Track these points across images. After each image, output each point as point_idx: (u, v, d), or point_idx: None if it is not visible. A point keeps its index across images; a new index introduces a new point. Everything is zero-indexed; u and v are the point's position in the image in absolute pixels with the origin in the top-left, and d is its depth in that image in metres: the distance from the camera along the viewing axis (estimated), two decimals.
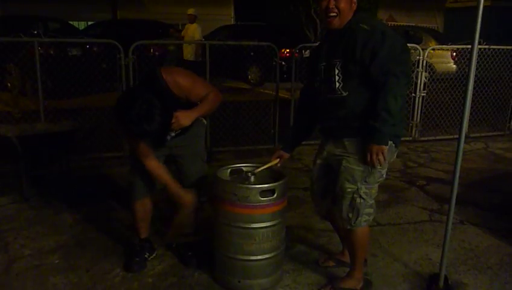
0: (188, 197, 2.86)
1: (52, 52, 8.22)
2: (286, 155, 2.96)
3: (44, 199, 4.19)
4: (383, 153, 2.43)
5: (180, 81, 2.64)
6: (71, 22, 13.10)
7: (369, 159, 2.46)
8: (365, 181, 2.55)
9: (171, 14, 13.83)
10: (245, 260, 2.80)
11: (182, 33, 9.96)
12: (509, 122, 7.47)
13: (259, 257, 2.79)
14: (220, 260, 2.92)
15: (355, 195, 2.56)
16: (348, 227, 2.67)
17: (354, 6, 2.53)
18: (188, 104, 2.71)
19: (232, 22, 16.88)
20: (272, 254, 2.83)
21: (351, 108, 2.49)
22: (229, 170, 2.99)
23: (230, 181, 2.86)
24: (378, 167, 2.49)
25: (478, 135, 7.22)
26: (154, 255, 3.22)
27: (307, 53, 8.95)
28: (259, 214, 2.71)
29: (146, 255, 3.15)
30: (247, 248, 2.76)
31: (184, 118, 2.61)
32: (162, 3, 13.51)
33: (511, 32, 7.58)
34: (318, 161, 2.83)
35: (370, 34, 2.35)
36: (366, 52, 2.34)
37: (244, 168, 2.95)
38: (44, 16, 11.19)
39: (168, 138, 2.85)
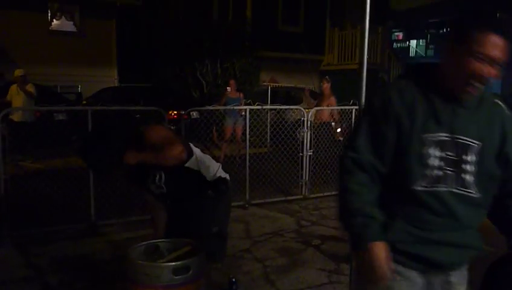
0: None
1: None
2: None
3: None
4: None
5: (151, 134, 2.93)
6: None
7: None
8: None
9: (47, 76, 13.01)
10: None
11: (8, 97, 8.93)
12: None
13: None
14: None
15: None
16: None
17: None
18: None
19: (116, 83, 16.40)
20: None
21: (482, 216, 1.80)
22: (143, 248, 2.74)
23: (140, 260, 2.60)
24: None
25: None
26: None
27: (195, 115, 8.87)
28: None
29: None
30: None
31: (128, 155, 2.80)
32: (37, 65, 12.69)
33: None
34: None
35: None
36: None
37: (160, 245, 2.75)
38: None
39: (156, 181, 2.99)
